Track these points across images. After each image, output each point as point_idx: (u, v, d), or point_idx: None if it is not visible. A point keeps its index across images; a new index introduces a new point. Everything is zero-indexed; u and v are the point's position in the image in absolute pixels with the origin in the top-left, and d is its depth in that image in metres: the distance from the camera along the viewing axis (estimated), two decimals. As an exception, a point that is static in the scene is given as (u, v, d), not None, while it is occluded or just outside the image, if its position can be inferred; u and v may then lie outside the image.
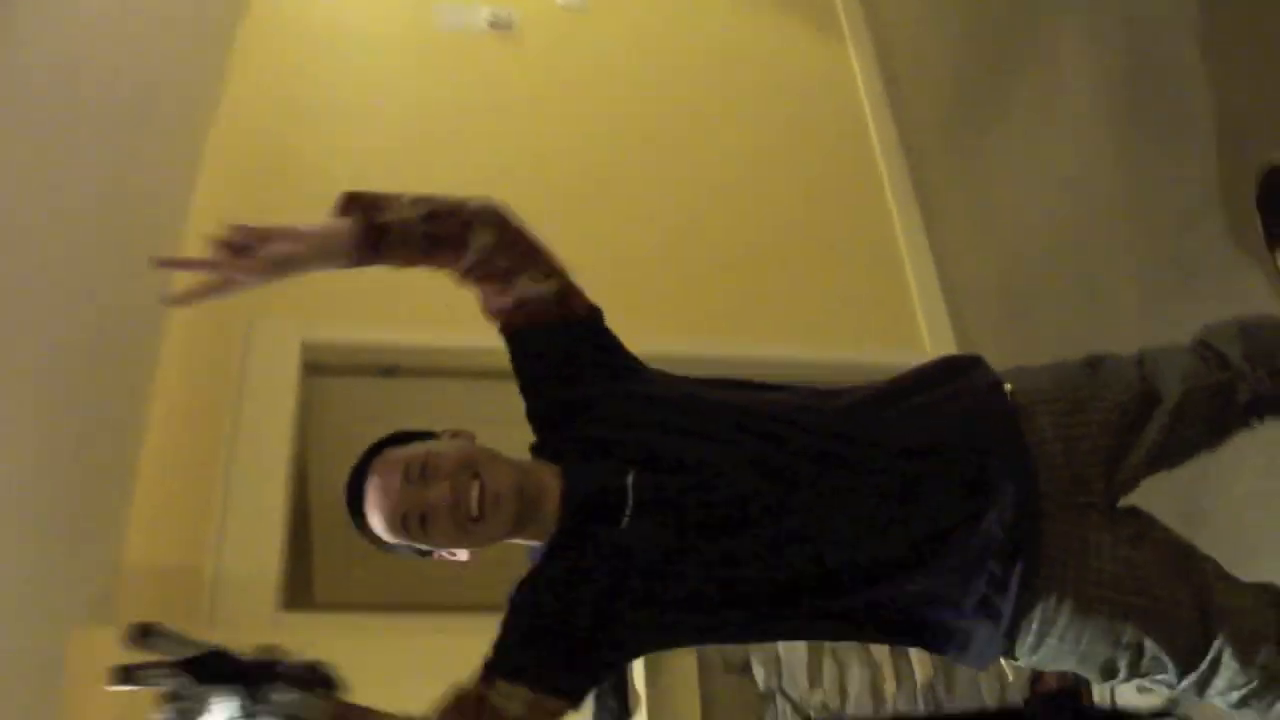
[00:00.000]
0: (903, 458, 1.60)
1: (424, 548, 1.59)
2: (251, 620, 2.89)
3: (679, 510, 1.56)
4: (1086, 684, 2.71)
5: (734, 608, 1.59)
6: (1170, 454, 1.72)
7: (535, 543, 1.65)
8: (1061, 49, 3.39)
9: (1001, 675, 2.94)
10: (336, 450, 3.67)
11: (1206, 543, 2.48)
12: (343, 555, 3.70)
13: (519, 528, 1.59)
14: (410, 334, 3.53)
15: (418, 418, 3.59)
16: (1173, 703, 2.65)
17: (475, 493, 1.53)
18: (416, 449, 1.58)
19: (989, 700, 2.96)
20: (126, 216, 3.08)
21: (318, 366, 3.46)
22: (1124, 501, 1.72)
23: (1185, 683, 1.63)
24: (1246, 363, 1.75)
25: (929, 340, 3.84)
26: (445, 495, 1.52)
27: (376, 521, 1.56)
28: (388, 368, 3.55)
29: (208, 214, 3.58)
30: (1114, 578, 1.60)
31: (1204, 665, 1.61)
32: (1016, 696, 2.90)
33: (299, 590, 3.43)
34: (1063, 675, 2.67)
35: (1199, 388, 1.72)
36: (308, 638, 2.76)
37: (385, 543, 1.59)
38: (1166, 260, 2.85)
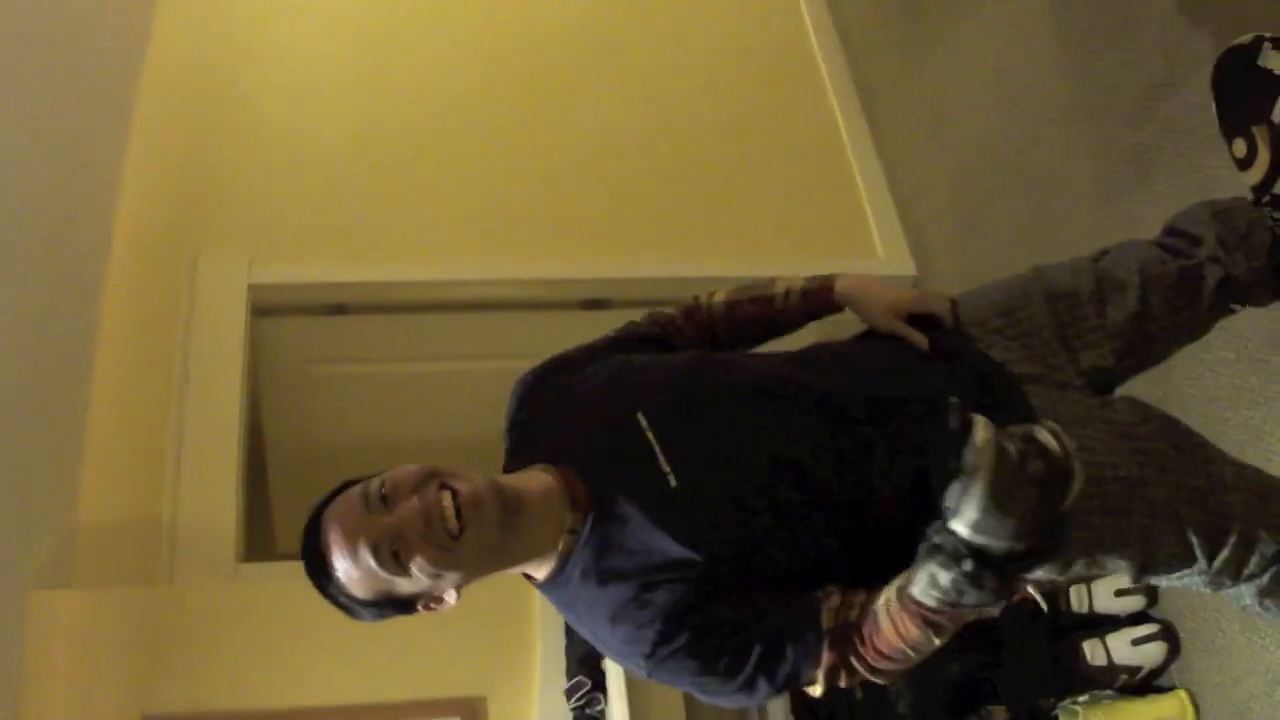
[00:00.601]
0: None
1: (404, 594, 1.38)
2: (212, 573, 2.84)
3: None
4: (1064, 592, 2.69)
5: None
6: (1144, 346, 1.69)
7: (533, 572, 1.46)
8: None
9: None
10: (289, 393, 3.63)
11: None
12: (302, 501, 3.63)
13: (508, 549, 1.40)
14: (357, 271, 3.45)
15: (369, 354, 3.55)
16: (1150, 601, 2.64)
17: (449, 502, 1.33)
18: (370, 479, 1.38)
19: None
20: (61, 161, 2.98)
21: (265, 308, 3.39)
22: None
23: (1216, 563, 1.55)
24: (1221, 247, 1.73)
25: (882, 248, 3.79)
26: (415, 509, 1.33)
27: (343, 569, 1.35)
28: (336, 305, 3.49)
29: (146, 151, 3.49)
30: (1111, 447, 1.52)
31: (1234, 538, 1.53)
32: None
33: (260, 540, 3.39)
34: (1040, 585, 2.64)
35: (1158, 275, 1.69)
36: (270, 588, 2.74)
37: (359, 602, 1.38)
38: (1122, 154, 2.81)
